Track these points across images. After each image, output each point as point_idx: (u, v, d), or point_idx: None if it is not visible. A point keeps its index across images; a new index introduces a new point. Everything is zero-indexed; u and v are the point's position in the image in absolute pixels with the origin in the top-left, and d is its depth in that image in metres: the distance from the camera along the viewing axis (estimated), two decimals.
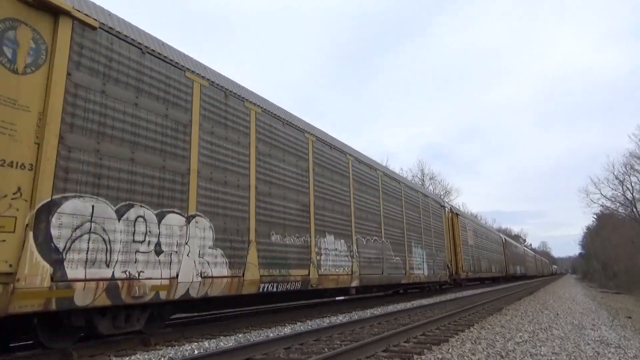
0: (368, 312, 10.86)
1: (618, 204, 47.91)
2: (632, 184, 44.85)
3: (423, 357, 5.28)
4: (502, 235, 39.60)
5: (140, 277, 5.38)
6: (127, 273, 5.25)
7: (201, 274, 6.32)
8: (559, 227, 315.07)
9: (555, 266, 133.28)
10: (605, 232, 51.51)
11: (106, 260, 5.04)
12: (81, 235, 4.82)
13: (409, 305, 12.90)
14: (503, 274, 34.58)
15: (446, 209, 21.28)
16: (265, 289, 7.65)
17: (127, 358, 5.25)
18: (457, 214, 22.99)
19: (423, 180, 53.04)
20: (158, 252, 5.74)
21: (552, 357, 5.44)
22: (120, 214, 5.30)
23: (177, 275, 5.93)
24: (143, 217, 5.60)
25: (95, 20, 5.39)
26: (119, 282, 5.12)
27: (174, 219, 6.05)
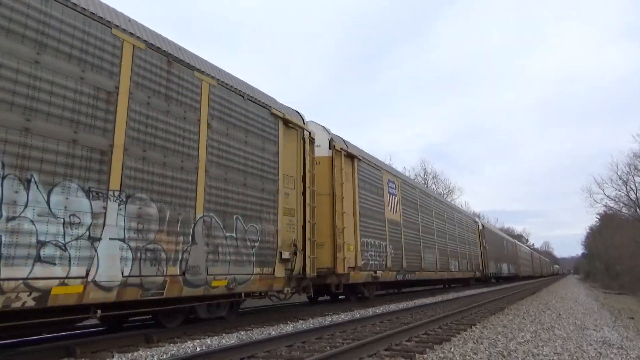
0: (370, 311, 10.86)
1: (621, 204, 47.70)
2: (636, 184, 44.63)
3: (425, 356, 5.28)
4: (477, 220, 29.45)
5: None
6: None
7: None
8: (561, 227, 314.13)
9: (557, 266, 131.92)
10: (608, 232, 51.31)
11: None
12: None
13: (411, 304, 12.90)
14: (475, 275, 25.07)
15: (297, 132, 9.61)
16: None
17: (130, 355, 5.27)
18: (351, 156, 12.06)
19: (426, 178, 53.00)
20: None
21: (555, 358, 5.43)
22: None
23: None
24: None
25: None
26: None
27: None
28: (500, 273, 33.28)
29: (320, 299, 13.56)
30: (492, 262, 30.10)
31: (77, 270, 4.92)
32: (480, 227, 28.48)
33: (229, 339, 6.40)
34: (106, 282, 5.23)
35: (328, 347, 5.58)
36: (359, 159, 12.58)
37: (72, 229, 4.94)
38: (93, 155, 5.32)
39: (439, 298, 15.68)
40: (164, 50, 6.58)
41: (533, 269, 58.64)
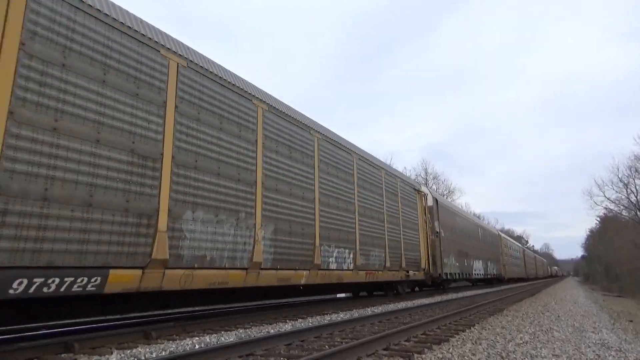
0: (369, 310, 10.88)
1: (622, 207, 47.71)
2: (637, 187, 44.62)
3: (423, 356, 5.28)
4: (426, 190, 18.98)
5: None
6: None
7: None
8: (561, 229, 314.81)
9: (556, 267, 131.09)
10: (608, 234, 51.32)
11: None
12: None
13: (410, 304, 12.91)
14: (411, 276, 15.19)
15: None
16: None
17: (129, 351, 5.28)
18: None
19: (427, 179, 52.99)
20: None
21: (553, 359, 5.43)
22: None
23: None
24: None
25: None
26: None
27: None
28: (470, 274, 23.32)
29: None
30: (453, 258, 20.35)
31: None
32: (430, 203, 18.35)
33: (228, 337, 6.41)
34: None
35: (327, 346, 5.58)
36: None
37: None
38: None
39: (438, 299, 15.67)
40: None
41: (525, 270, 49.29)
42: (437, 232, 18.56)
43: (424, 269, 16.71)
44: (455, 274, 20.70)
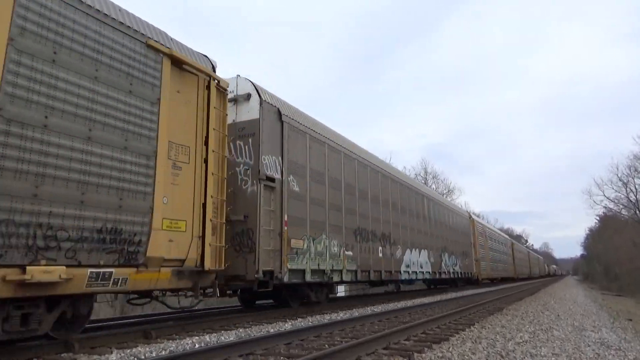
0: (369, 310, 10.88)
1: (621, 206, 47.83)
2: (636, 186, 44.73)
3: (423, 355, 5.28)
4: (251, 87, 8.68)
5: None
6: None
7: None
8: (561, 228, 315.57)
9: (555, 266, 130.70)
10: (608, 233, 51.42)
11: None
12: None
13: (409, 303, 12.91)
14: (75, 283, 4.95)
15: None
16: None
17: (129, 350, 5.27)
18: None
19: (426, 178, 53.01)
20: None
21: (552, 358, 5.43)
22: None
23: None
24: None
25: None
26: None
27: None
28: (395, 273, 14.02)
29: None
30: (335, 242, 10.70)
31: None
32: (252, 111, 8.68)
33: (228, 336, 6.41)
34: None
35: (326, 345, 5.58)
36: None
37: None
38: None
39: (437, 298, 15.67)
40: None
41: (515, 268, 39.40)
42: (272, 178, 8.79)
43: (184, 261, 6.47)
44: (343, 272, 10.96)
